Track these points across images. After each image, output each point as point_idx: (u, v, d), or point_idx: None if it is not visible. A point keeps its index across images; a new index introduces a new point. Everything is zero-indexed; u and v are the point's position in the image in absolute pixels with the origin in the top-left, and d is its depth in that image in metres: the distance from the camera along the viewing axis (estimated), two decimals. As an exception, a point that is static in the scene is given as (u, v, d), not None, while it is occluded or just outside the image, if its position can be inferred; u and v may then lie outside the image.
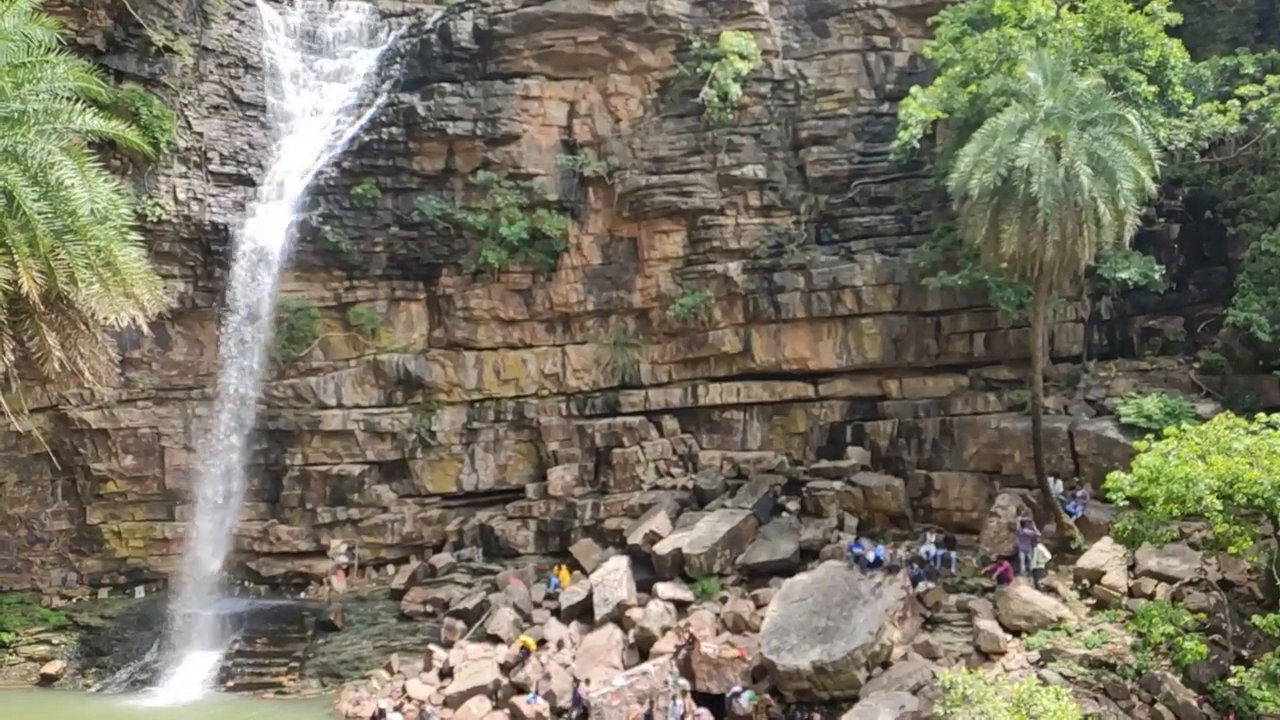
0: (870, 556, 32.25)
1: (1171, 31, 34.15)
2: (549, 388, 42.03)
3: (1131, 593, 29.64)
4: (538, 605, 36.42)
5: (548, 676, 32.12)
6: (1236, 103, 33.69)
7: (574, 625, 34.59)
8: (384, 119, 40.67)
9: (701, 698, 30.01)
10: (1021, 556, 31.39)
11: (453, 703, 31.94)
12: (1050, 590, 30.33)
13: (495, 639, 34.77)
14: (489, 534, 40.32)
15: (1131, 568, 30.28)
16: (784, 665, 28.78)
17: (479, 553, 40.02)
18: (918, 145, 36.05)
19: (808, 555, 34.95)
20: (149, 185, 38.48)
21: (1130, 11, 33.77)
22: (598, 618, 34.03)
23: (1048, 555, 31.14)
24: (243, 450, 39.86)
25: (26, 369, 23.30)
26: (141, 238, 25.61)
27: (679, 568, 35.45)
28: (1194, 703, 25.53)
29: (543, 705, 31.12)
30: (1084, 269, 31.82)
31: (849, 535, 35.48)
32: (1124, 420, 33.37)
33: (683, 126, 40.76)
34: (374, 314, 41.31)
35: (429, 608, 38.02)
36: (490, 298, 41.37)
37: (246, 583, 40.70)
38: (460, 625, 36.12)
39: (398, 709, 31.52)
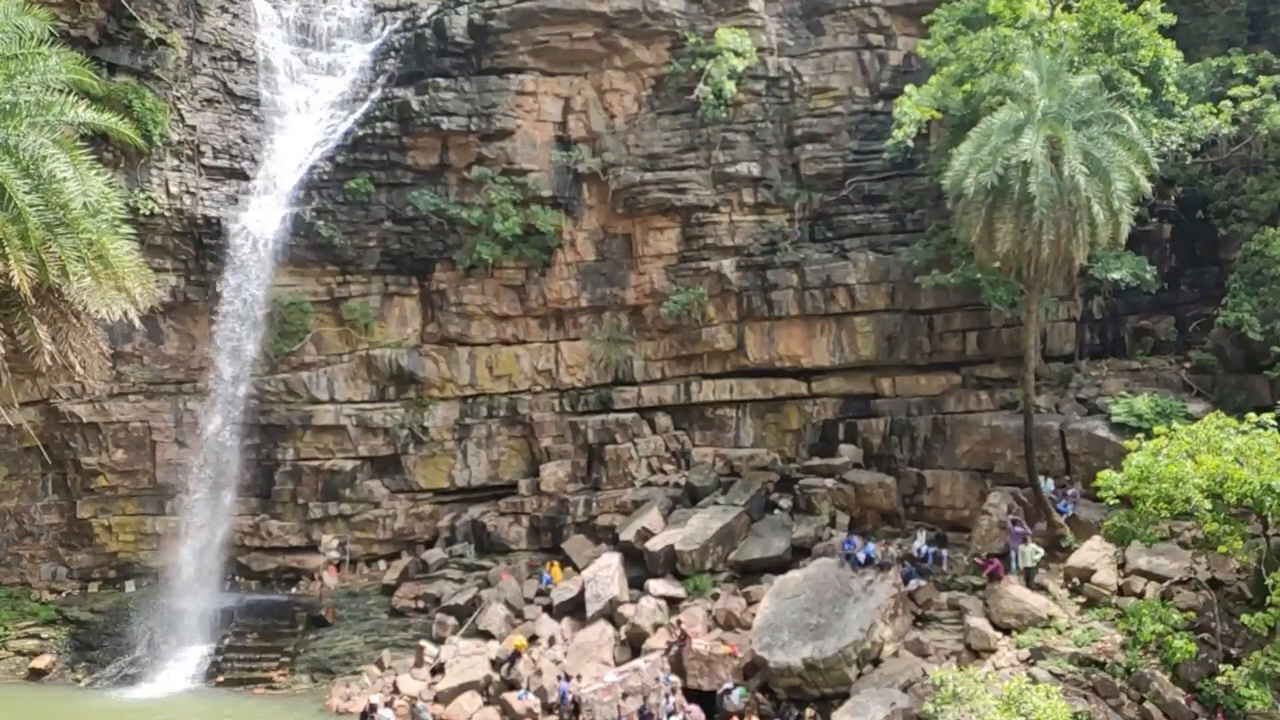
0: (862, 554, 32.28)
1: (1165, 32, 34.20)
2: (542, 384, 41.99)
3: (1121, 591, 29.80)
4: (530, 601, 36.41)
5: (539, 672, 32.11)
6: (1229, 103, 33.88)
7: (566, 621, 34.60)
8: (378, 114, 40.56)
9: (693, 694, 30.13)
10: (1012, 554, 31.50)
11: (444, 699, 31.89)
12: (1041, 588, 30.45)
13: (487, 635, 34.72)
14: (481, 530, 40.28)
15: (1121, 566, 30.44)
16: (775, 662, 28.88)
17: (471, 549, 39.98)
18: (912, 144, 35.99)
19: (800, 552, 34.97)
20: (141, 178, 38.37)
21: (1124, 12, 33.84)
22: (589, 614, 34.05)
23: (1040, 553, 31.25)
24: (234, 445, 39.67)
25: (17, 362, 23.16)
26: (133, 231, 25.42)
27: (671, 564, 35.49)
28: (1183, 701, 25.64)
29: (534, 701, 31.10)
30: (1077, 268, 31.89)
31: (841, 533, 35.57)
32: (1115, 419, 33.53)
33: (677, 123, 40.74)
34: (367, 309, 41.23)
35: (421, 603, 37.97)
36: (484, 293, 41.30)
37: (237, 578, 40.65)
38: (452, 621, 36.11)
39: (389, 705, 31.38)
